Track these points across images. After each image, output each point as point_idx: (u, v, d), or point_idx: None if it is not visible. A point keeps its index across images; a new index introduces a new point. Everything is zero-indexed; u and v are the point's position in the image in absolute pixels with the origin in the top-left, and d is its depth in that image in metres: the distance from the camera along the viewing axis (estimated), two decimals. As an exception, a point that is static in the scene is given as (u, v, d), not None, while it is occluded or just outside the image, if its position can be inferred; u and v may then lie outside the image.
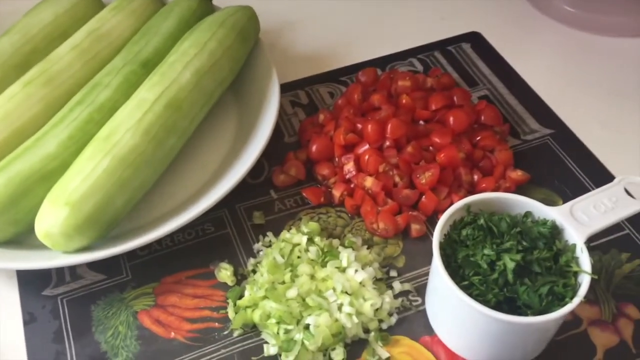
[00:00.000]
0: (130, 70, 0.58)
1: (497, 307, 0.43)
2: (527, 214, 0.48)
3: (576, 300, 0.42)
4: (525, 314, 0.43)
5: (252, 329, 0.50)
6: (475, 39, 0.76)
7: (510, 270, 0.43)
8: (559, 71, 0.73)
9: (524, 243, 0.45)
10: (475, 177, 0.58)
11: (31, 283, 0.53)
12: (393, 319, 0.50)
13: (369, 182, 0.57)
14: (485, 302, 0.43)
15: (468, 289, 0.43)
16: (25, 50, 0.61)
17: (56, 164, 0.51)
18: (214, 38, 0.60)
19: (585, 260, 0.44)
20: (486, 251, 0.45)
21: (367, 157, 0.58)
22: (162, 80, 0.55)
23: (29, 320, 0.50)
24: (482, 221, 0.46)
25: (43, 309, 0.51)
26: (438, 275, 0.44)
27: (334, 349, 0.48)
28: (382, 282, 0.52)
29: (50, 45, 0.61)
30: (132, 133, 0.51)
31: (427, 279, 0.51)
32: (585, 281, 0.43)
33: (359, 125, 0.61)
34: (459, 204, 0.48)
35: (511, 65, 0.72)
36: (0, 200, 0.49)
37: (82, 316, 0.50)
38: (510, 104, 0.68)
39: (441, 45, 0.75)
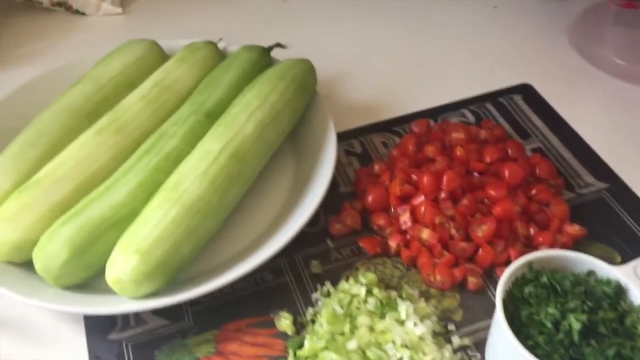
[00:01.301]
0: (196, 120, 0.60)
1: (563, 368, 0.43)
2: (590, 273, 0.48)
3: (645, 364, 0.42)
4: (592, 377, 0.42)
5: (312, 380, 0.50)
6: (526, 91, 0.77)
7: (576, 330, 0.43)
8: (612, 124, 0.73)
9: (589, 303, 0.45)
10: (532, 230, 0.59)
11: (97, 326, 0.54)
12: (452, 374, 0.50)
13: (425, 233, 0.58)
14: (551, 363, 0.43)
15: (533, 349, 0.43)
16: (96, 99, 0.63)
17: (126, 211, 0.53)
18: (275, 91, 0.62)
19: (652, 323, 0.44)
20: (550, 310, 0.45)
21: (423, 208, 0.59)
22: (226, 131, 0.57)
23: (95, 363, 0.52)
24: (545, 279, 0.47)
25: (109, 352, 0.52)
26: (501, 333, 0.44)
27: (394, 403, 0.48)
28: (441, 335, 0.52)
29: (119, 94, 0.64)
30: (198, 182, 0.53)
31: (486, 333, 0.51)
32: (653, 344, 0.43)
33: (414, 177, 0.62)
34: (520, 260, 0.48)
35: (563, 117, 0.72)
36: (73, 246, 0.51)
37: (147, 361, 0.52)
38: (564, 157, 0.68)
39: (492, 97, 0.76)
